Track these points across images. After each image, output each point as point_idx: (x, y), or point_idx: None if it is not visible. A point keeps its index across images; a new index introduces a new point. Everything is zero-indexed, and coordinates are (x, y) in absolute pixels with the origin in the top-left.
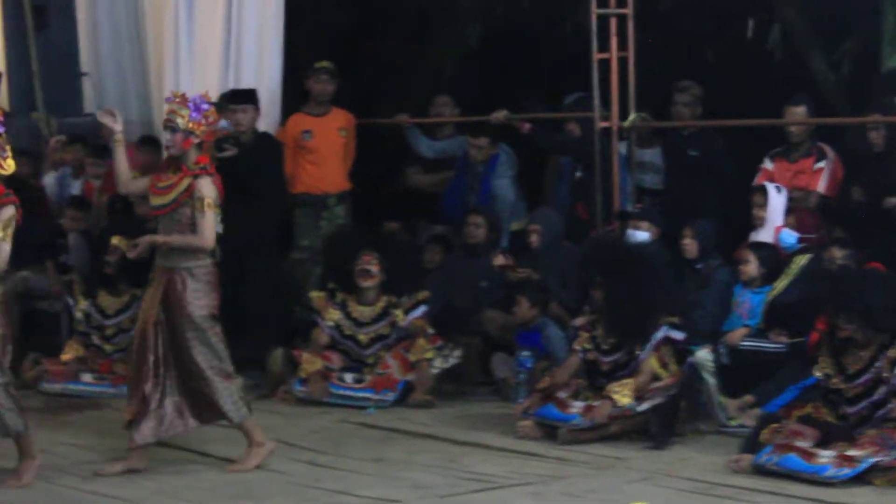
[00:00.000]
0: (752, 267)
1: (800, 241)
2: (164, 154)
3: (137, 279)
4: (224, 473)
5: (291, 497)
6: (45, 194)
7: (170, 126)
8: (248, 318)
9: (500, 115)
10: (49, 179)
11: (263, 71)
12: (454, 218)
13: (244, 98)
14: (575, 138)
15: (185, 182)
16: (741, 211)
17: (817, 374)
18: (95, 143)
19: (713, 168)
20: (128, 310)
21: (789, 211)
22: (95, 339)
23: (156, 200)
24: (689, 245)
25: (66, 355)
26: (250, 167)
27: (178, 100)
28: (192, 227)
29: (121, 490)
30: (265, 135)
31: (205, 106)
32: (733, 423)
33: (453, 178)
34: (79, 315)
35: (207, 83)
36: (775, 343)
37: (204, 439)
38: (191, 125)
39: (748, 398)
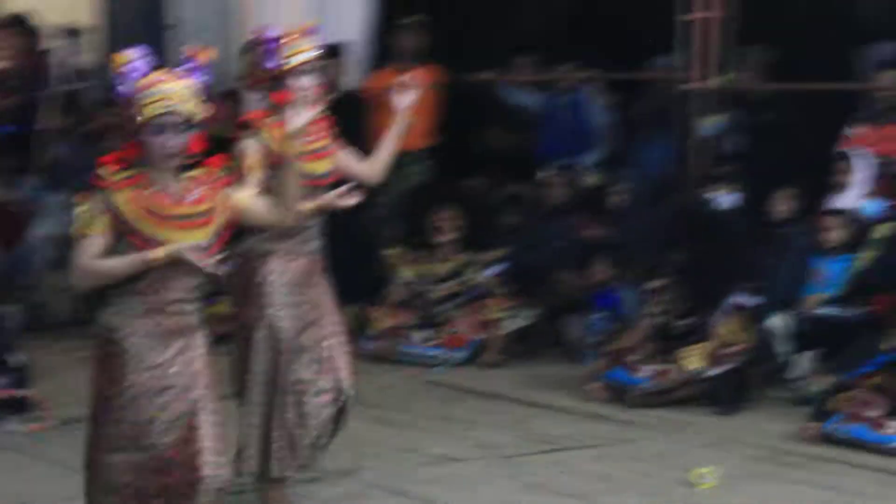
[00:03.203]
0: (836, 234)
1: (892, 207)
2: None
3: None
4: None
5: (359, 451)
6: None
7: (310, 69)
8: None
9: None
10: None
11: (348, 26)
12: (552, 158)
13: (328, 53)
14: (652, 106)
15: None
16: (817, 177)
17: (886, 347)
18: None
19: (789, 133)
20: None
21: (872, 178)
22: None
23: (314, 167)
24: (783, 207)
25: None
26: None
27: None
28: None
29: None
30: (349, 92)
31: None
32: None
33: (541, 124)
34: None
35: None
36: (851, 311)
37: None
38: None
39: None
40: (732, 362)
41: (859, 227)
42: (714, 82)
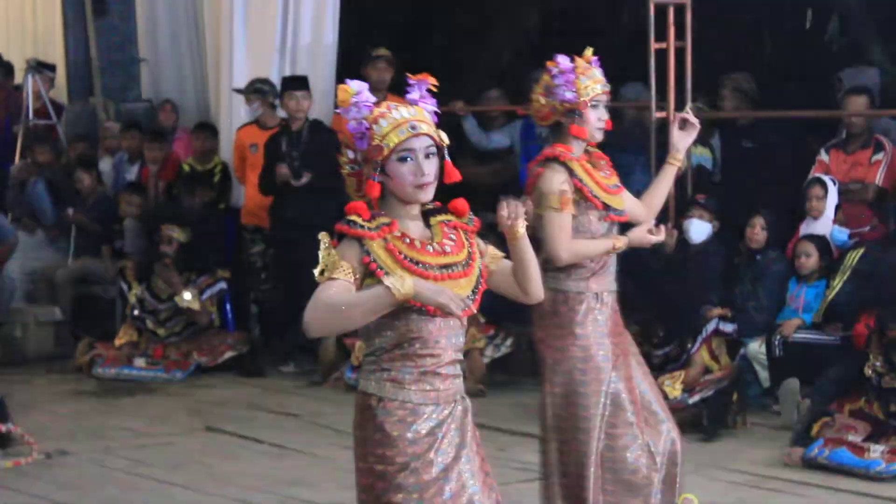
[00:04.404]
0: (813, 260)
1: (851, 235)
2: (585, 136)
3: (193, 265)
4: (274, 459)
5: (341, 484)
6: None
7: (604, 101)
8: (304, 306)
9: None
10: (105, 165)
11: (319, 58)
12: None
13: (298, 85)
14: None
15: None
16: (790, 203)
17: (868, 371)
18: (152, 128)
19: (769, 160)
20: None
21: (838, 206)
22: (149, 324)
23: (616, 202)
24: (759, 235)
25: (120, 340)
26: (305, 155)
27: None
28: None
29: (172, 475)
30: (316, 122)
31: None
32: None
33: (521, 155)
34: (132, 300)
35: (263, 70)
36: (828, 336)
37: (256, 426)
38: None
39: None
40: (712, 389)
41: (833, 254)
42: (685, 110)
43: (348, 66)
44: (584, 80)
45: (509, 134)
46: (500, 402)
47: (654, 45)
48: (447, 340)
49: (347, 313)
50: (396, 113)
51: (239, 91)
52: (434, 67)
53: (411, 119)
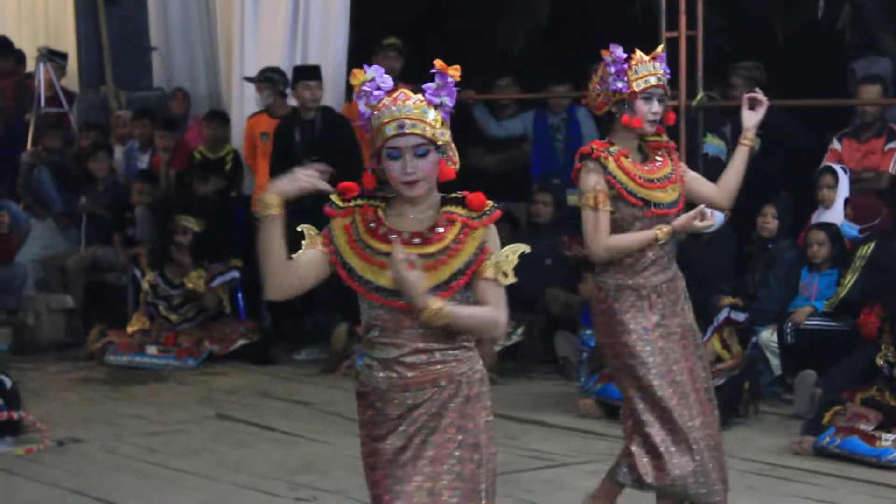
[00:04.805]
0: (825, 249)
1: (861, 231)
2: (628, 127)
3: (206, 254)
4: (285, 447)
5: (351, 471)
6: None
7: (658, 94)
8: (314, 294)
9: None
10: (116, 153)
11: (329, 46)
12: (548, 176)
13: (311, 74)
14: None
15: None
16: (802, 192)
17: (879, 361)
18: (163, 116)
19: (781, 149)
20: None
21: (847, 200)
22: (162, 310)
23: (660, 196)
24: (770, 224)
25: (132, 327)
26: (320, 144)
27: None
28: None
29: (183, 462)
30: (328, 109)
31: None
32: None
33: (533, 144)
34: (145, 286)
35: (274, 58)
36: (840, 323)
37: (267, 414)
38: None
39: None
40: (724, 377)
41: (843, 244)
42: (696, 99)
43: (358, 55)
44: (637, 70)
45: (521, 122)
46: (511, 391)
47: (665, 34)
48: (412, 331)
49: (260, 252)
50: (395, 107)
51: (250, 79)
52: (444, 56)
53: (404, 116)
